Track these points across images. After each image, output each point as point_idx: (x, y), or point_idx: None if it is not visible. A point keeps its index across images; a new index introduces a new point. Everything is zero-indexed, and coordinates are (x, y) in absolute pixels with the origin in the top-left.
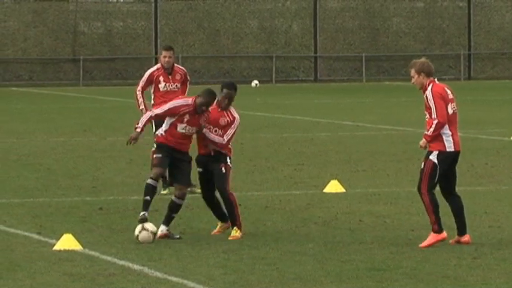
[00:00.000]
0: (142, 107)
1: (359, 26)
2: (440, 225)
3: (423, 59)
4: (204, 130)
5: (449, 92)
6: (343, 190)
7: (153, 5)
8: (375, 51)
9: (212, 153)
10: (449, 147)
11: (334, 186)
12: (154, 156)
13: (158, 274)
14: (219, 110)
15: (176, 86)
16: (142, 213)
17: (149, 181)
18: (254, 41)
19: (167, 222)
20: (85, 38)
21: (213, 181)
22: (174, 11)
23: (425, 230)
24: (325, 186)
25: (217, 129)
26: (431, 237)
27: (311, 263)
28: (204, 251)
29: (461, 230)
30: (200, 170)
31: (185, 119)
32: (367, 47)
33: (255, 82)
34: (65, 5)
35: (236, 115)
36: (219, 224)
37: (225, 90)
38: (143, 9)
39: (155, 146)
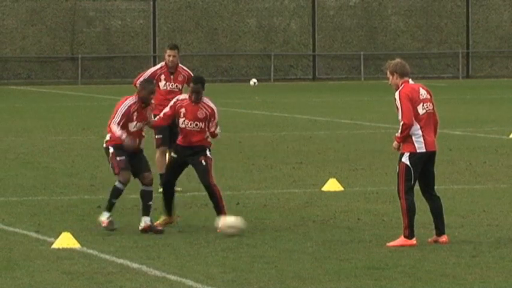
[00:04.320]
0: None
1: (357, 25)
2: (412, 231)
3: (398, 60)
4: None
5: (422, 92)
6: (342, 189)
7: (151, 3)
8: (373, 50)
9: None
10: (420, 148)
11: (332, 185)
12: (119, 159)
13: (157, 272)
14: (192, 103)
15: (177, 86)
16: (109, 215)
17: (119, 185)
18: (252, 39)
19: (147, 212)
20: (83, 36)
21: (179, 170)
22: (173, 10)
23: (424, 229)
24: (323, 185)
25: (198, 123)
26: (401, 240)
27: (309, 262)
28: (202, 250)
29: (440, 230)
30: (175, 156)
31: (134, 117)
32: (365, 45)
33: (253, 81)
34: (63, 3)
35: (212, 105)
36: (163, 217)
37: (191, 85)
38: (141, 8)
39: (112, 149)
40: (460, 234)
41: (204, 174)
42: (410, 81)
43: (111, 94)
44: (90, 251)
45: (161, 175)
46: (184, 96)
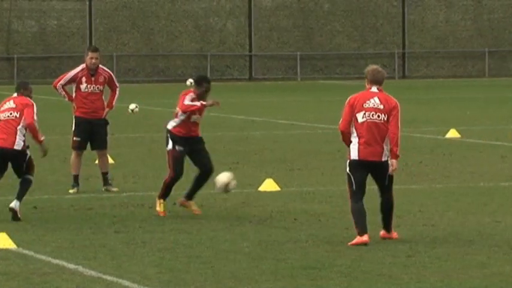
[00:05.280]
0: (68, 99)
1: (293, 25)
2: (361, 229)
3: (374, 66)
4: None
5: (374, 101)
6: (278, 189)
7: (87, 3)
8: (309, 50)
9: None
10: (354, 155)
11: (269, 185)
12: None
13: (93, 273)
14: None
15: (98, 88)
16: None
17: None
18: (189, 39)
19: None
20: (19, 36)
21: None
22: (109, 10)
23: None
24: (260, 185)
25: (201, 116)
26: (356, 239)
27: (246, 262)
28: (139, 250)
29: (383, 225)
30: (182, 149)
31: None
32: (301, 45)
33: (189, 80)
34: None
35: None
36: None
37: (206, 85)
38: (78, 8)
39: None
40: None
41: (210, 160)
42: (374, 89)
43: (47, 94)
44: (26, 252)
45: (75, 176)
46: (191, 97)
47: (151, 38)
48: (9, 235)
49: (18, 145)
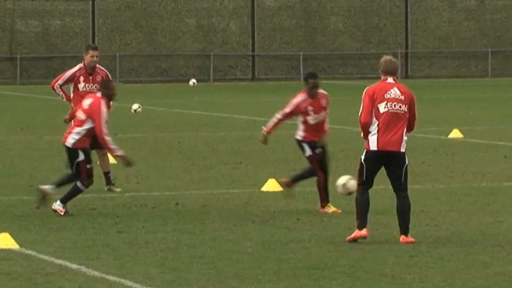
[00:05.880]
0: (66, 99)
1: (296, 25)
2: (361, 222)
3: (387, 57)
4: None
5: (394, 92)
6: (281, 189)
7: (90, 3)
8: (312, 50)
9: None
10: (372, 146)
11: (271, 185)
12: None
13: (95, 273)
14: (313, 98)
15: (96, 87)
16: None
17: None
18: (192, 39)
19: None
20: (22, 36)
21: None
22: (112, 10)
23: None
24: (263, 185)
25: (323, 112)
26: (354, 233)
27: (249, 262)
28: (141, 250)
29: (401, 230)
30: (320, 150)
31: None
32: (304, 45)
33: (192, 81)
34: (1, 3)
35: (323, 91)
36: (330, 205)
37: (311, 81)
38: (80, 8)
39: None
40: (398, 234)
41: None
42: (390, 79)
43: (50, 94)
44: (29, 252)
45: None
46: (301, 97)
47: (154, 38)
48: (12, 235)
49: (69, 143)
